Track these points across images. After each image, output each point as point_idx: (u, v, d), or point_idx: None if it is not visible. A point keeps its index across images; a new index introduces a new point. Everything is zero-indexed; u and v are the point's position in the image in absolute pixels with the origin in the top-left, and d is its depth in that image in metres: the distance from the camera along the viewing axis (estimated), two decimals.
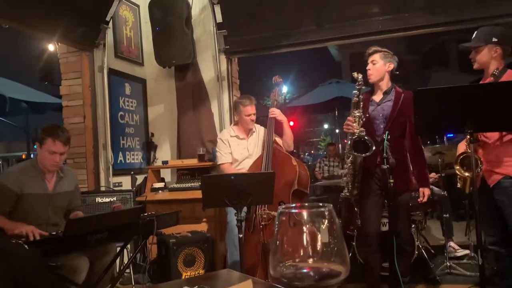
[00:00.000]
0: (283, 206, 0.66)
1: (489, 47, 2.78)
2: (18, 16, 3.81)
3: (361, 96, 3.15)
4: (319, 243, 0.63)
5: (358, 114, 3.12)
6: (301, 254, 0.63)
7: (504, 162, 2.67)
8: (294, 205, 0.66)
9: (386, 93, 3.26)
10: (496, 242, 2.83)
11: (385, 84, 3.27)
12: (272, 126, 3.82)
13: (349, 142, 3.15)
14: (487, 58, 2.80)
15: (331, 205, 0.64)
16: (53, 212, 3.03)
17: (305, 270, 0.62)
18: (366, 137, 3.03)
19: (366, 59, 3.33)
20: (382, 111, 3.24)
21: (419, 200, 3.33)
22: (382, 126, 3.22)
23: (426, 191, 3.28)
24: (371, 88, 3.38)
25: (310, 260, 0.62)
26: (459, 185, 3.08)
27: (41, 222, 2.87)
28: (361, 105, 3.14)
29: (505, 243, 2.79)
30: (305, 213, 0.64)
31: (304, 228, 0.63)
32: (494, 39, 2.76)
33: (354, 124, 3.10)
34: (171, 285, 1.66)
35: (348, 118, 3.17)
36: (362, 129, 3.08)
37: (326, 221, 0.63)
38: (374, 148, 2.99)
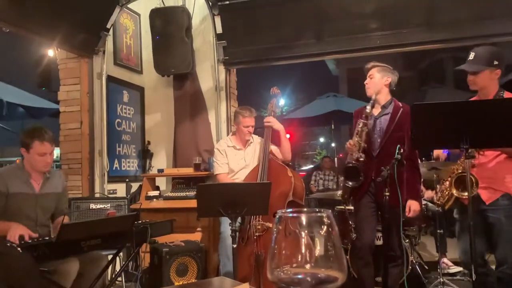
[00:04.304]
0: (282, 211, 0.66)
1: (490, 70, 2.70)
2: (19, 21, 3.82)
3: (365, 128, 3.15)
4: (317, 249, 0.63)
5: (359, 141, 3.14)
6: (299, 259, 0.63)
7: (504, 179, 2.64)
8: (292, 209, 0.66)
9: (384, 107, 3.28)
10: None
11: (383, 98, 3.28)
12: (269, 136, 3.82)
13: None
14: (487, 81, 2.72)
15: (330, 210, 0.65)
16: (41, 212, 3.02)
17: (302, 275, 0.62)
18: (357, 166, 3.07)
19: (365, 74, 3.36)
20: (379, 125, 3.25)
21: (406, 215, 3.14)
22: (378, 140, 3.23)
23: (413, 205, 3.11)
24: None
25: (308, 266, 0.62)
26: (436, 198, 3.05)
27: (30, 223, 2.86)
28: (364, 135, 3.15)
29: (481, 263, 2.75)
30: (304, 219, 0.64)
31: (303, 234, 0.63)
32: (496, 62, 2.69)
33: (354, 148, 3.13)
34: None
35: (350, 141, 3.18)
36: (361, 154, 3.11)
37: (325, 227, 0.64)
38: (362, 179, 3.06)
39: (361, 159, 3.10)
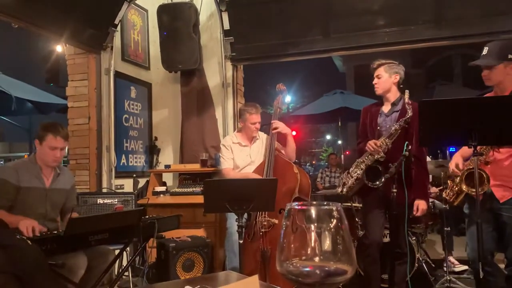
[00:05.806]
0: (292, 203, 0.66)
1: (504, 64, 2.64)
2: (28, 16, 3.85)
3: (399, 131, 3.11)
4: (326, 242, 0.63)
5: (388, 143, 3.12)
6: (308, 252, 0.63)
7: None
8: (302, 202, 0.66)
9: (394, 104, 3.26)
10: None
11: (393, 95, 3.27)
12: (275, 134, 3.82)
13: (360, 165, 3.18)
14: (502, 75, 2.66)
15: (340, 204, 0.65)
16: (50, 207, 3.06)
17: (311, 268, 0.63)
18: (380, 168, 3.07)
19: (372, 73, 3.33)
20: (390, 122, 3.24)
21: (413, 214, 3.17)
22: None
23: (421, 204, 3.13)
24: (380, 100, 3.38)
25: (317, 258, 0.63)
26: (445, 194, 3.03)
27: (39, 217, 2.89)
28: (394, 137, 3.12)
29: (490, 261, 2.71)
30: (313, 212, 0.65)
31: (312, 227, 0.64)
32: (510, 56, 2.63)
33: (380, 149, 3.10)
34: (171, 284, 1.66)
35: (376, 142, 3.13)
36: (383, 155, 3.10)
37: (335, 220, 0.64)
38: (383, 180, 3.04)
39: (381, 159, 3.10)
